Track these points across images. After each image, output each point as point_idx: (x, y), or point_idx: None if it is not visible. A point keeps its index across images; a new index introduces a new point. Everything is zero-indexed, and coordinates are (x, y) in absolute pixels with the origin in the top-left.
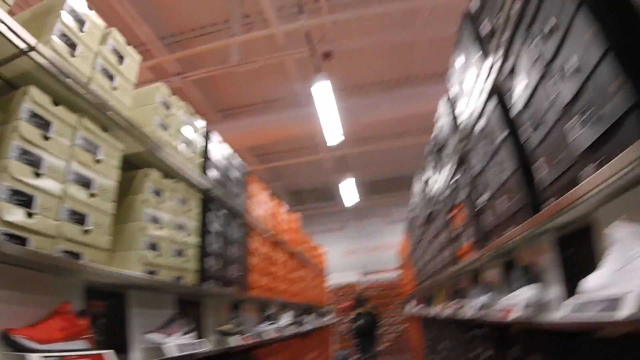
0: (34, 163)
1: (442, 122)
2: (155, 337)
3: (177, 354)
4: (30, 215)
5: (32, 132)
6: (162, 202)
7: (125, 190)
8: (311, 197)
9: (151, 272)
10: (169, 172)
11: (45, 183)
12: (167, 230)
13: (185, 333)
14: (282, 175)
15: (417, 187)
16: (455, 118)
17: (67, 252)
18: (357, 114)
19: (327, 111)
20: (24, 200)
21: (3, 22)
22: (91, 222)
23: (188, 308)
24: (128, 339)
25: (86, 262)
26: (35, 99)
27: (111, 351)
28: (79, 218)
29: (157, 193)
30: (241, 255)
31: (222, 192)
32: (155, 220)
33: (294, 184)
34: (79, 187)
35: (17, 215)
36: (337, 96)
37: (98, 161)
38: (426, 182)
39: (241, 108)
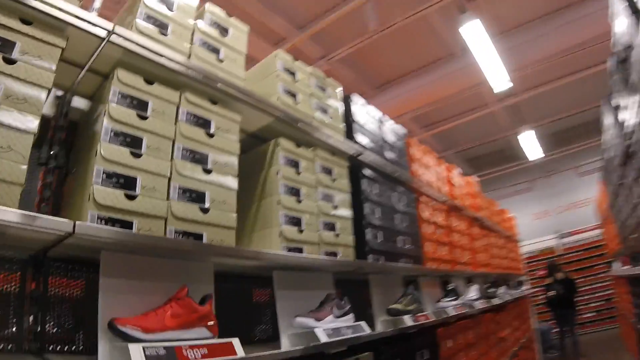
0: (131, 143)
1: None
2: (305, 321)
3: (328, 339)
4: (131, 197)
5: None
6: (300, 172)
7: (260, 166)
8: (489, 161)
9: (294, 250)
10: (307, 141)
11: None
12: (310, 203)
13: (342, 315)
14: (454, 142)
15: (607, 120)
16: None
17: (184, 233)
18: (520, 53)
19: (485, 54)
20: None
21: (77, 16)
22: (209, 200)
23: (349, 288)
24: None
25: (215, 242)
26: (124, 80)
27: (234, 339)
28: (194, 196)
29: (293, 163)
30: (410, 225)
31: (376, 158)
32: (293, 193)
33: (469, 150)
34: (190, 163)
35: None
36: (492, 39)
37: (211, 135)
38: (616, 109)
39: (395, 79)
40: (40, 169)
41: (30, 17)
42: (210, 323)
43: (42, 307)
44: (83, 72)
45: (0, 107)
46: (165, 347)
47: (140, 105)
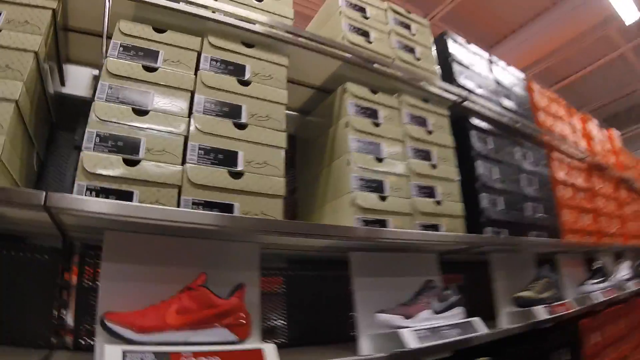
0: (375, 150)
1: None
2: (389, 318)
3: (420, 344)
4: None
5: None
6: (379, 124)
7: (328, 123)
8: (630, 118)
9: (374, 223)
10: (388, 88)
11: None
12: (396, 162)
13: (444, 310)
14: (585, 99)
15: None
16: None
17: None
18: None
19: None
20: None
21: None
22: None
23: (458, 272)
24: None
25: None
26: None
27: (267, 346)
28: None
29: (367, 112)
30: (540, 189)
31: (488, 105)
32: (370, 150)
33: (603, 108)
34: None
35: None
36: None
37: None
38: None
39: (508, 33)
40: None
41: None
42: (237, 322)
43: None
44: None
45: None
46: (155, 353)
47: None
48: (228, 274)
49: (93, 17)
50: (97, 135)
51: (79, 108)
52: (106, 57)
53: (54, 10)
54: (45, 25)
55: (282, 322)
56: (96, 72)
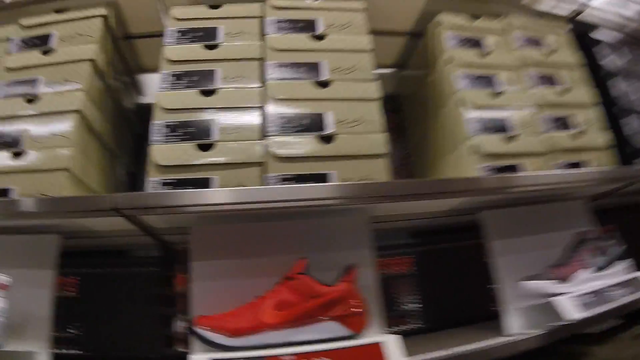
0: (488, 84)
1: None
2: (539, 285)
3: (586, 312)
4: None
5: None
6: (487, 53)
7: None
8: None
9: (502, 170)
10: (491, 11)
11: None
12: (516, 94)
13: (607, 265)
14: None
15: None
16: None
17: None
18: None
19: None
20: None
21: None
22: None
23: (612, 220)
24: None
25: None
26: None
27: (388, 337)
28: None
29: (471, 43)
30: None
31: (612, 16)
32: (482, 84)
33: None
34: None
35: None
36: None
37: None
38: None
39: None
40: None
41: None
42: (348, 312)
43: None
44: None
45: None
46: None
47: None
48: (333, 257)
49: (151, 18)
50: (166, 125)
51: None
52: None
53: (104, 16)
54: (98, 33)
55: (415, 305)
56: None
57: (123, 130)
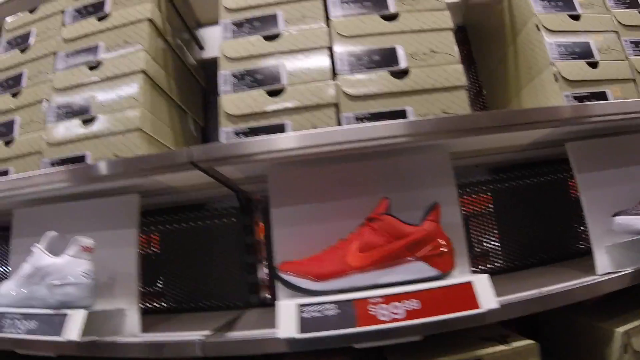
0: (566, 7)
1: None
2: (633, 220)
3: None
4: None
5: None
6: None
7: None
8: None
9: (588, 97)
10: None
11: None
12: (597, 17)
13: None
14: None
15: None
16: None
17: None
18: None
19: None
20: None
21: None
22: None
23: None
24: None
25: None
26: None
27: (478, 277)
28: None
29: None
30: None
31: None
32: (560, 7)
33: None
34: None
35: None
36: None
37: None
38: None
39: None
40: None
41: None
42: (435, 251)
43: None
44: None
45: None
46: (337, 302)
47: None
48: (414, 196)
49: None
50: (232, 75)
51: None
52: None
53: None
54: None
55: (494, 245)
56: None
57: (189, 86)
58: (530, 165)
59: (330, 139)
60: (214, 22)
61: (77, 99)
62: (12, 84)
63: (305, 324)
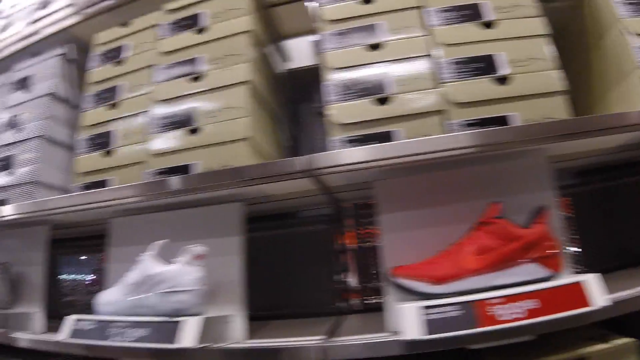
0: None
1: None
2: None
3: None
4: None
5: None
6: None
7: None
8: None
9: None
10: None
11: None
12: None
13: None
14: None
15: None
16: None
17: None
18: None
19: None
20: None
21: None
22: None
23: None
24: None
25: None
26: None
27: (589, 276)
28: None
29: None
30: None
31: None
32: None
33: None
34: None
35: None
36: None
37: None
38: None
39: None
40: None
41: None
42: (546, 253)
43: None
44: None
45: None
46: (459, 304)
47: None
48: (518, 200)
49: None
50: (339, 85)
51: (309, 77)
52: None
53: None
54: (248, 5)
55: (575, 248)
56: (312, 38)
57: (279, 96)
58: (610, 168)
59: (438, 146)
60: (298, 34)
61: (180, 109)
62: (108, 97)
63: (430, 326)
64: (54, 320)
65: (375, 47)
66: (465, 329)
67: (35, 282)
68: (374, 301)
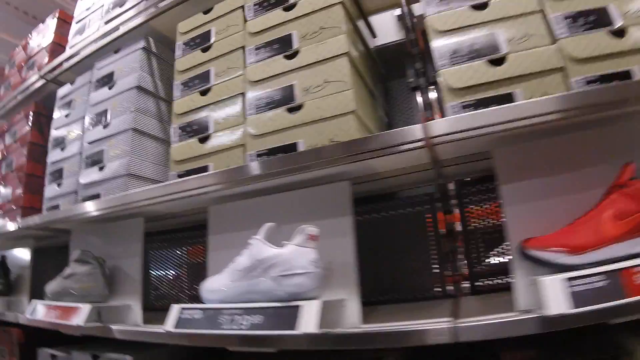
0: None
1: None
2: None
3: None
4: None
5: None
6: None
7: None
8: None
9: None
10: None
11: None
12: None
13: None
14: None
15: None
16: None
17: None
18: None
19: None
20: None
21: None
22: None
23: None
24: None
25: None
26: None
27: None
28: None
29: None
30: None
31: None
32: None
33: None
34: None
35: None
36: None
37: None
38: None
39: None
40: None
41: None
42: None
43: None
44: None
45: None
46: (605, 274)
47: None
48: None
49: None
50: (448, 48)
51: (398, 52)
52: None
53: None
54: None
55: None
56: (396, 11)
57: (373, 73)
58: None
59: (567, 104)
60: (380, 9)
61: (277, 88)
62: (199, 83)
63: (577, 299)
64: (147, 312)
65: (481, 7)
66: (612, 300)
67: (131, 275)
68: (484, 284)
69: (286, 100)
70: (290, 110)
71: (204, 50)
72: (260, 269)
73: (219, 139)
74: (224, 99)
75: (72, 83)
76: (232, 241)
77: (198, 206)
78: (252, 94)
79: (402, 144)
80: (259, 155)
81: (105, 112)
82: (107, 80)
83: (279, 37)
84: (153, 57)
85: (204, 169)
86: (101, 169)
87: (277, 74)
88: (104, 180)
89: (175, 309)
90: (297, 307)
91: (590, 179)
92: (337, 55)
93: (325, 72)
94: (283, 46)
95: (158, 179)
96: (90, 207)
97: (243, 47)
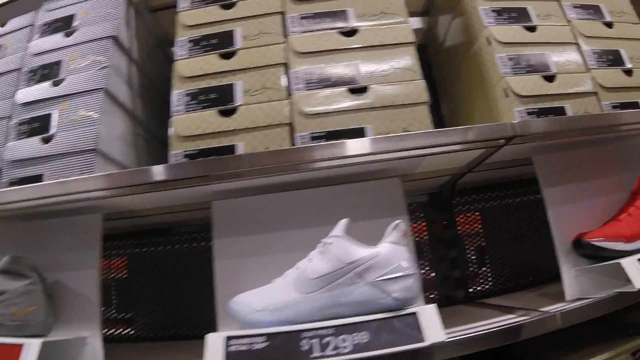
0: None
1: None
2: None
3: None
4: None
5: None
6: None
7: None
8: None
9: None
10: None
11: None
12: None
13: None
14: None
15: None
16: None
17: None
18: None
19: None
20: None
21: None
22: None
23: None
24: None
25: None
26: None
27: None
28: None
29: None
30: None
31: None
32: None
33: None
34: (587, 21)
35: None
36: None
37: None
38: None
39: None
40: None
41: None
42: None
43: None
44: None
45: None
46: None
47: None
48: None
49: None
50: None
51: None
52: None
53: None
54: None
55: None
56: None
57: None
58: None
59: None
60: None
61: (333, 66)
62: (218, 44)
63: None
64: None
65: (531, 29)
66: None
67: (85, 294)
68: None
69: (348, 81)
70: (352, 91)
71: (226, 7)
72: (353, 274)
73: (248, 115)
74: (252, 68)
75: (2, 25)
76: (248, 245)
77: (197, 200)
78: (299, 68)
79: (491, 140)
80: (313, 139)
81: (57, 64)
82: (64, 26)
83: (333, 10)
84: (131, 7)
85: (230, 149)
86: (46, 140)
87: (334, 50)
88: (50, 157)
89: (216, 340)
90: (414, 314)
91: (618, 184)
92: (403, 43)
93: (392, 58)
94: (338, 21)
95: (126, 165)
96: (23, 195)
97: (282, 13)
